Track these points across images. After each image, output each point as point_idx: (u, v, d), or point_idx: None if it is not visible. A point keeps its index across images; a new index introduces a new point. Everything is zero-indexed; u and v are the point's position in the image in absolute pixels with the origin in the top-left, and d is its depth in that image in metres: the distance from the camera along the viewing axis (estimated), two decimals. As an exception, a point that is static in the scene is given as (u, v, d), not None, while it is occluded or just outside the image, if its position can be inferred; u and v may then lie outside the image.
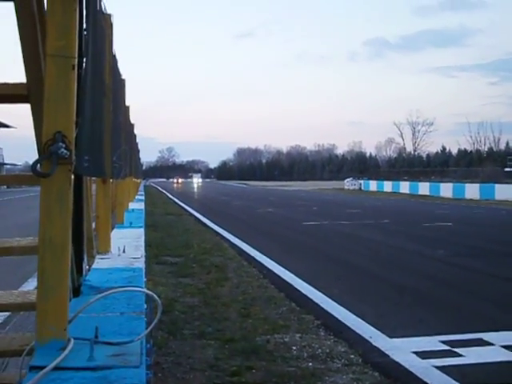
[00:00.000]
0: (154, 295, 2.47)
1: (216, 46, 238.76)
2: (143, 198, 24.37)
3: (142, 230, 7.46)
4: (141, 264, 4.36)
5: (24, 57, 2.72)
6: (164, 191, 61.43)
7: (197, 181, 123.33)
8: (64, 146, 2.16)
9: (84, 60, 2.79)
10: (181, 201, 38.89)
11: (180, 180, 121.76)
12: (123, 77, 8.71)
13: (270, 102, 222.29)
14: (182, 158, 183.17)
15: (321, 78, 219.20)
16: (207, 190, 69.45)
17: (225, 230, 18.36)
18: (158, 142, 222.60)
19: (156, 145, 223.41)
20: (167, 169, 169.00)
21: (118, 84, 7.13)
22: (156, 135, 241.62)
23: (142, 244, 5.89)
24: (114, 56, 5.99)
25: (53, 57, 2.23)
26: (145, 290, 2.86)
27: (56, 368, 1.95)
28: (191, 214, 25.98)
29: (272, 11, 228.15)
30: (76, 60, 2.21)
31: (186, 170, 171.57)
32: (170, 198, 44.34)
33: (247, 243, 14.79)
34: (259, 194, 57.67)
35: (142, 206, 15.19)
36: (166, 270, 10.62)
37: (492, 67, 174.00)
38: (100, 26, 3.72)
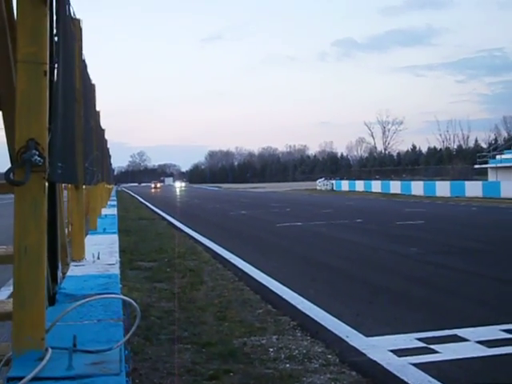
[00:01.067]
0: (133, 302, 2.45)
1: (185, 50, 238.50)
2: (116, 203, 24.24)
3: (115, 236, 7.42)
4: (116, 270, 4.33)
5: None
6: (136, 196, 61.12)
7: (179, 185, 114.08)
8: (37, 153, 2.13)
9: (55, 66, 2.76)
10: (153, 205, 38.71)
11: (159, 185, 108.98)
12: (93, 82, 8.66)
13: (241, 104, 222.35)
14: (154, 162, 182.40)
15: (290, 80, 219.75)
16: (179, 194, 69.20)
17: (198, 233, 18.31)
18: (129, 146, 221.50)
19: (127, 149, 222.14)
20: (139, 173, 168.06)
21: (88, 89, 7.08)
22: (127, 140, 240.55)
23: (117, 250, 5.86)
24: (84, 61, 5.95)
25: (24, 63, 2.20)
26: (123, 297, 2.84)
27: (34, 378, 1.92)
28: (164, 218, 25.87)
29: (240, 14, 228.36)
30: (47, 66, 2.18)
31: (157, 174, 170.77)
32: (142, 203, 44.12)
33: (221, 246, 14.77)
34: (232, 196, 57.60)
35: (114, 211, 15.11)
36: (141, 275, 10.56)
37: (459, 66, 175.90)
38: (70, 31, 3.68)
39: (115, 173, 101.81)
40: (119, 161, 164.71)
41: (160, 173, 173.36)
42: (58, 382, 1.91)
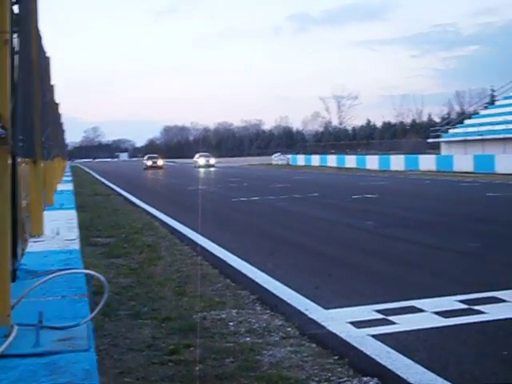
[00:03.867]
0: (101, 276, 2.42)
1: (138, 23, 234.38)
2: (71, 179, 23.94)
3: (73, 212, 7.33)
4: (77, 246, 4.28)
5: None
6: (91, 172, 60.48)
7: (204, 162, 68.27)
8: (0, 125, 2.05)
9: (14, 36, 2.67)
10: (109, 181, 38.34)
11: (160, 162, 69.74)
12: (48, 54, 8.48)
13: (196, 78, 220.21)
14: (108, 137, 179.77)
15: (246, 54, 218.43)
16: (134, 170, 68.64)
17: (155, 208, 18.21)
18: (83, 121, 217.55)
19: (81, 124, 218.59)
20: (93, 149, 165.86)
21: (44, 62, 6.93)
22: (80, 115, 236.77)
23: (76, 225, 5.79)
24: (39, 33, 5.81)
25: (-17, 33, 2.12)
26: (91, 272, 2.81)
27: (1, 356, 1.88)
28: (120, 194, 25.65)
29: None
30: (8, 35, 2.10)
31: (112, 149, 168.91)
32: (97, 179, 43.67)
33: (179, 221, 14.72)
34: (188, 171, 57.39)
35: (70, 187, 14.92)
36: (98, 251, 10.46)
37: (413, 41, 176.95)
38: (26, 0, 3.58)
39: (69, 148, 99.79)
40: (72, 136, 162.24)
41: (114, 148, 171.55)
42: (25, 360, 1.86)
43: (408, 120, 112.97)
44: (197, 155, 71.38)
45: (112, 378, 4.68)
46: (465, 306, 6.50)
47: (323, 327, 5.95)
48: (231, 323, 6.15)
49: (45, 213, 6.66)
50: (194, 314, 6.50)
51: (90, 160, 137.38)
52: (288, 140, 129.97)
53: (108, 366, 4.94)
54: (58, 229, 5.03)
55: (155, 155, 74.69)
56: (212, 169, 62.14)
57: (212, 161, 68.91)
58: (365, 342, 5.45)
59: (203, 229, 13.04)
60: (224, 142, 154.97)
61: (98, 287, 6.17)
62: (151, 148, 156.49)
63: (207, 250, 10.54)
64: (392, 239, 11.72)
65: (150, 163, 69.13)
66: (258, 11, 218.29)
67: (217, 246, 10.88)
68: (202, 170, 60.42)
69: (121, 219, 15.24)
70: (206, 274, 8.50)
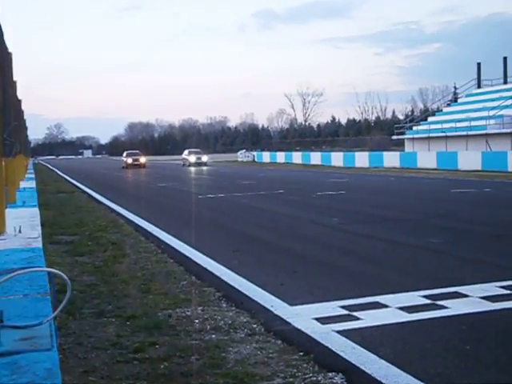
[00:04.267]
0: (63, 274, 2.39)
1: (101, 20, 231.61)
2: (33, 176, 23.66)
3: (36, 209, 7.24)
4: (39, 244, 4.23)
5: None
6: (54, 169, 59.90)
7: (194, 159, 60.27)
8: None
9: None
10: (72, 178, 37.99)
11: (142, 159, 60.62)
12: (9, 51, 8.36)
13: (161, 75, 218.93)
14: (72, 134, 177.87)
15: (211, 51, 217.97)
16: (98, 166, 68.14)
17: (119, 206, 18.09)
18: (46, 118, 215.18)
19: (43, 121, 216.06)
20: (56, 146, 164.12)
21: (6, 57, 6.84)
22: (43, 111, 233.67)
23: (38, 223, 5.72)
24: (0, 28, 5.73)
25: None
26: (53, 270, 2.77)
27: (-40, 356, 1.85)
28: (84, 192, 25.43)
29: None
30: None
31: (76, 146, 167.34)
32: (61, 176, 43.25)
33: (143, 219, 14.64)
34: (152, 168, 57.08)
35: (33, 184, 14.74)
36: (61, 249, 10.37)
37: (376, 38, 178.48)
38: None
39: (31, 145, 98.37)
40: (35, 133, 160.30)
41: (78, 145, 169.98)
42: (-15, 359, 1.85)
43: (372, 117, 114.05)
44: (186, 152, 63.84)
45: (76, 376, 4.64)
46: (428, 301, 6.57)
47: (289, 324, 5.97)
48: (196, 320, 6.14)
49: (7, 210, 6.57)
50: (159, 311, 6.47)
51: (54, 157, 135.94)
52: (253, 137, 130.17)
53: (72, 364, 4.90)
54: (20, 227, 4.97)
55: (136, 151, 65.68)
56: (205, 167, 55.57)
57: (204, 158, 60.98)
58: (330, 337, 5.48)
59: (168, 226, 13.01)
60: (189, 138, 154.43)
61: (62, 285, 6.10)
62: (115, 145, 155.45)
63: (172, 248, 10.51)
64: (357, 235, 11.80)
65: (130, 161, 59.51)
66: (222, 8, 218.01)
67: (182, 244, 10.84)
68: (192, 168, 53.69)
69: (85, 217, 15.11)
70: (171, 272, 8.47)
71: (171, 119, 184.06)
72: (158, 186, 28.79)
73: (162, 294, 7.18)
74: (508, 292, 6.91)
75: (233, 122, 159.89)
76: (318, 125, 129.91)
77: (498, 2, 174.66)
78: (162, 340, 5.51)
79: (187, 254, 9.92)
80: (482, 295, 6.77)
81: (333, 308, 6.44)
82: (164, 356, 5.10)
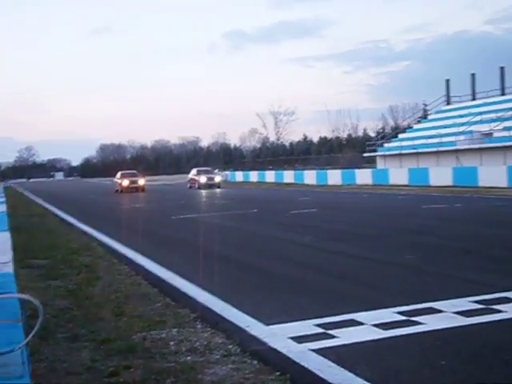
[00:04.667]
0: (34, 300, 2.36)
1: (72, 41, 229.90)
2: (4, 200, 23.41)
3: (7, 234, 7.16)
4: (10, 269, 4.18)
5: None
6: (25, 192, 59.33)
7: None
8: None
9: None
10: (44, 201, 37.63)
11: (141, 181, 50.69)
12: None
13: (132, 96, 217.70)
14: (43, 156, 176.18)
15: (182, 72, 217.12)
16: (69, 189, 67.67)
17: (92, 228, 17.96)
18: (16, 141, 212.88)
19: (14, 144, 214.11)
20: (27, 168, 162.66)
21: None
22: (13, 134, 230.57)
23: (10, 248, 5.66)
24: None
25: None
26: (24, 296, 2.73)
27: None
28: (56, 215, 25.20)
29: (129, 5, 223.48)
30: None
31: (47, 169, 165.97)
32: (32, 199, 42.83)
33: (116, 241, 14.54)
34: (151, 192, 56.75)
35: (3, 208, 14.58)
36: (34, 273, 10.24)
37: (346, 57, 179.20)
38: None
39: (1, 169, 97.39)
40: (5, 156, 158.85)
41: (50, 167, 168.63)
42: (-45, 389, 1.81)
43: (344, 135, 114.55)
44: (193, 171, 54.10)
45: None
46: (403, 318, 6.59)
47: (264, 343, 5.95)
48: (172, 342, 6.10)
49: (-23, 236, 6.51)
50: (133, 334, 6.41)
51: (25, 180, 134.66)
52: (226, 156, 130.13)
53: (45, 391, 4.83)
54: (-9, 252, 4.91)
55: (133, 171, 55.08)
56: (218, 190, 46.84)
57: (217, 179, 51.63)
58: (306, 356, 5.47)
59: (142, 247, 12.93)
60: (161, 159, 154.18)
61: (34, 310, 6.02)
62: (87, 167, 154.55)
63: (146, 269, 10.44)
64: (331, 253, 11.83)
65: (126, 183, 48.90)
66: (192, 30, 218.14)
67: (156, 265, 10.78)
68: (203, 192, 44.95)
69: (57, 240, 14.97)
70: (145, 294, 8.41)
71: (143, 140, 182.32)
72: (132, 208, 28.57)
73: (137, 317, 7.12)
74: (480, 307, 6.95)
75: (205, 142, 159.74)
76: (291, 143, 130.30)
77: (464, 20, 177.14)
78: (137, 363, 5.46)
79: (162, 275, 9.89)
80: (455, 310, 6.80)
81: (308, 326, 6.42)
82: (139, 379, 5.05)
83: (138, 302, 7.88)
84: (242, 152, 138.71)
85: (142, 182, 50.38)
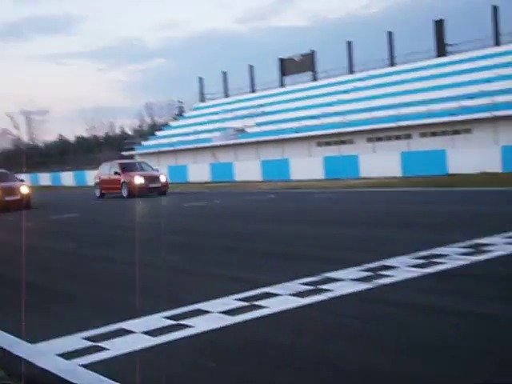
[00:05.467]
0: None
1: None
2: None
3: None
4: None
5: None
6: None
7: None
8: None
9: None
10: None
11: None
12: None
13: None
14: None
15: None
16: None
17: None
18: None
19: None
20: None
21: None
22: None
23: None
24: None
25: None
26: None
27: None
28: None
29: None
30: None
31: None
32: None
33: None
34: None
35: None
36: None
37: (100, 54, 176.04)
38: None
39: None
40: None
41: None
42: None
43: (101, 133, 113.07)
44: (106, 166, 34.86)
45: None
46: (173, 322, 6.63)
47: (31, 364, 5.68)
48: None
49: None
50: None
51: None
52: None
53: None
54: None
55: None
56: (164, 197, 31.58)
57: (163, 178, 32.16)
58: (76, 373, 5.29)
59: None
60: None
61: None
62: None
63: None
64: (95, 259, 11.63)
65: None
66: None
67: None
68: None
69: None
70: None
71: None
72: None
73: None
74: (246, 304, 7.20)
75: None
76: (46, 144, 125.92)
77: (215, 18, 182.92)
78: None
79: None
80: (221, 310, 6.98)
81: (77, 340, 6.23)
82: None
83: None
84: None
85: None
